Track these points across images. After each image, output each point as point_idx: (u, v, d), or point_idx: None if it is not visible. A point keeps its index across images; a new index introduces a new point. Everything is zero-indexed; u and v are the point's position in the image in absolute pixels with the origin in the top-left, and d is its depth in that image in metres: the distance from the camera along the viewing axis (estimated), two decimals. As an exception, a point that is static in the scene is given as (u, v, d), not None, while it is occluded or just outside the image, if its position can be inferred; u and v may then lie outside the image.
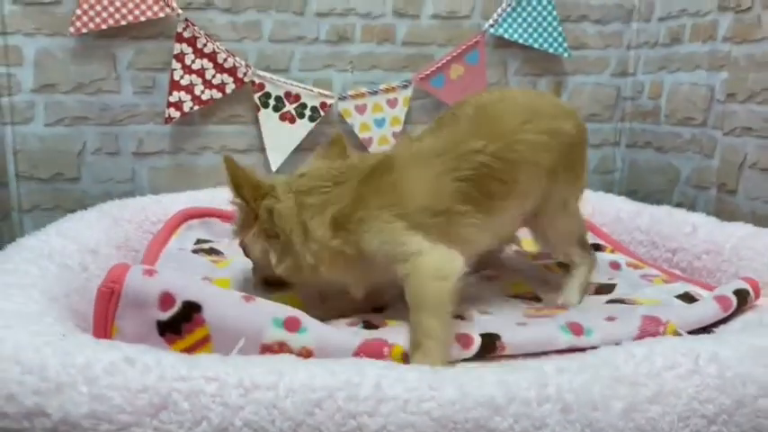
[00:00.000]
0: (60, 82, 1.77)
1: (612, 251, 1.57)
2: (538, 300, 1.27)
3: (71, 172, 1.82)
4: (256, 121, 1.89)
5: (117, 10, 1.73)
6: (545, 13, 2.00)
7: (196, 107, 1.82)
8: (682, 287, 1.26)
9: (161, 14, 1.75)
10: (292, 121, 1.89)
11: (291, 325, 0.96)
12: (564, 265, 1.43)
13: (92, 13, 1.71)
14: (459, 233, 1.07)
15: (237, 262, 1.38)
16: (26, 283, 0.98)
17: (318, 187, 1.09)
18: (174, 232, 1.46)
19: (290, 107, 1.89)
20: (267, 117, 1.88)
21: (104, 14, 1.72)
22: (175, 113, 1.80)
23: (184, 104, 1.81)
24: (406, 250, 1.01)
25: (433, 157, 1.08)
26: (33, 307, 0.90)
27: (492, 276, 1.38)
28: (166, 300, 0.95)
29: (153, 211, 1.61)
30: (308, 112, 1.90)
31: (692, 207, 1.90)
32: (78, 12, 1.71)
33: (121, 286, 0.95)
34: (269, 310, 0.98)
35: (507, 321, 1.07)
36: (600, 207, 1.82)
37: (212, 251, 1.42)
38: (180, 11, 1.76)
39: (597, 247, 1.60)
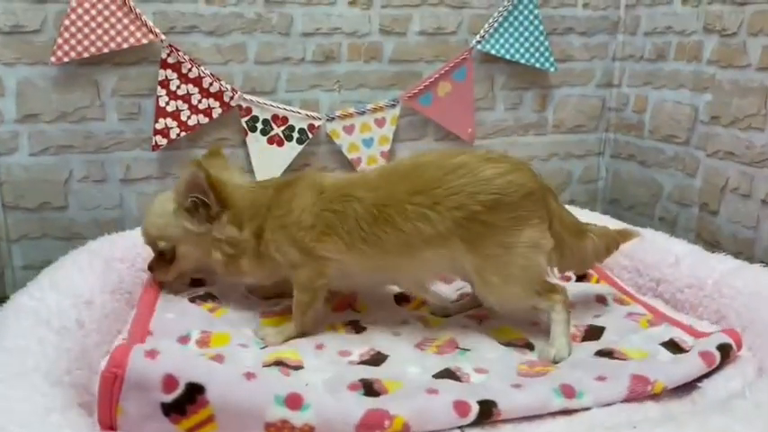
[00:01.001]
0: (43, 111, 1.74)
1: (598, 281, 1.61)
2: (530, 347, 1.30)
3: (58, 201, 1.80)
4: (244, 145, 1.88)
5: (99, 38, 1.69)
6: (531, 28, 2.00)
7: (183, 133, 1.80)
8: (666, 332, 1.30)
9: (144, 41, 1.72)
10: (280, 144, 1.88)
11: (293, 402, 0.98)
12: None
13: (73, 41, 1.68)
14: (319, 249, 1.29)
15: (232, 311, 1.40)
16: (29, 368, 0.99)
17: (258, 191, 1.38)
18: None
19: (277, 130, 1.88)
20: (255, 141, 1.87)
21: (86, 42, 1.69)
22: (162, 141, 1.79)
23: (171, 131, 1.79)
24: (290, 259, 1.30)
25: (319, 190, 1.31)
26: (39, 401, 0.91)
27: (482, 316, 1.42)
28: (169, 382, 0.97)
29: (144, 247, 1.61)
30: (296, 135, 1.89)
31: (674, 222, 1.95)
32: (59, 40, 1.67)
33: (124, 371, 0.97)
34: (270, 388, 1.00)
35: (503, 383, 1.10)
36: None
37: (208, 296, 1.43)
38: (164, 36, 1.73)
39: (582, 276, 1.64)
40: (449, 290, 1.56)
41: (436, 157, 1.32)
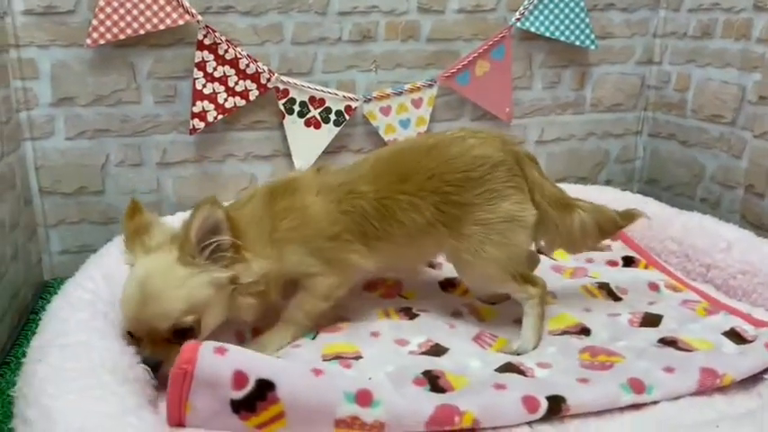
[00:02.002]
0: (79, 94, 1.71)
1: (647, 266, 1.59)
2: (587, 332, 1.29)
3: (95, 185, 1.78)
4: (281, 127, 1.85)
5: (134, 19, 1.65)
6: (572, 5, 1.94)
7: (220, 116, 1.77)
8: (726, 321, 1.29)
9: (180, 22, 1.68)
10: (317, 126, 1.85)
11: (363, 399, 0.97)
12: (604, 286, 1.46)
13: (108, 23, 1.64)
14: (346, 258, 1.22)
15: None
16: (96, 364, 0.98)
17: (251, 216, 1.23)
18: None
19: (314, 112, 1.84)
20: (292, 123, 1.83)
21: (122, 24, 1.64)
22: (200, 124, 1.76)
23: (208, 114, 1.75)
24: (310, 270, 1.22)
25: (326, 191, 1.23)
26: (113, 401, 0.90)
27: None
28: (239, 379, 0.97)
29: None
30: (332, 117, 1.85)
31: (716, 204, 1.92)
32: (95, 22, 1.63)
33: (194, 367, 0.96)
34: (340, 384, 0.99)
35: (569, 377, 1.09)
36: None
37: None
38: (200, 17, 1.69)
39: (630, 261, 1.62)
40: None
41: (413, 142, 1.32)
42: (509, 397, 1.02)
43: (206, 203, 1.09)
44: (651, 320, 1.32)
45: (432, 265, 1.59)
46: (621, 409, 1.05)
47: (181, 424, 0.98)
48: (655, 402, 1.06)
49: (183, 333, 1.08)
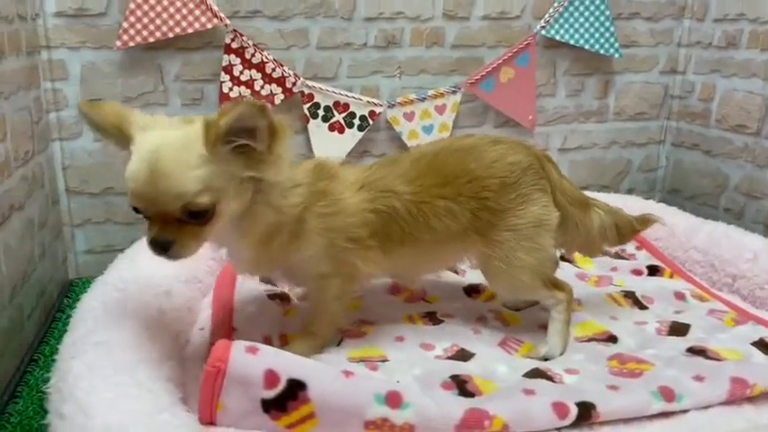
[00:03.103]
0: (107, 96, 1.73)
1: (672, 276, 1.58)
2: (614, 340, 1.28)
3: (121, 185, 1.76)
4: (305, 131, 1.86)
5: (164, 22, 1.67)
6: (597, 13, 1.94)
7: (246, 120, 1.78)
8: (754, 331, 1.28)
9: (209, 26, 1.70)
10: (341, 130, 1.86)
11: (393, 401, 0.98)
12: (630, 294, 1.46)
13: (139, 26, 1.66)
14: (355, 264, 1.17)
15: (303, 310, 1.38)
16: (131, 362, 0.99)
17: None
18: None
19: (338, 117, 1.85)
20: (316, 127, 1.85)
21: (151, 27, 1.66)
22: (225, 127, 1.77)
23: (234, 117, 1.77)
24: (320, 269, 1.17)
25: (361, 183, 1.18)
26: (148, 399, 0.90)
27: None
28: (271, 378, 0.97)
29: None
30: (356, 122, 1.86)
31: (740, 214, 1.91)
32: (125, 25, 1.65)
33: (226, 365, 0.97)
34: (370, 386, 0.99)
35: (598, 384, 1.08)
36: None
37: (283, 297, 1.42)
38: (228, 21, 1.71)
39: (655, 270, 1.61)
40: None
41: (453, 143, 1.28)
42: (539, 402, 1.01)
43: (253, 106, 0.95)
44: (679, 329, 1.31)
45: (455, 271, 1.59)
46: (650, 418, 1.04)
47: (212, 422, 0.98)
48: (684, 411, 1.05)
49: (198, 215, 0.97)
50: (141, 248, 1.43)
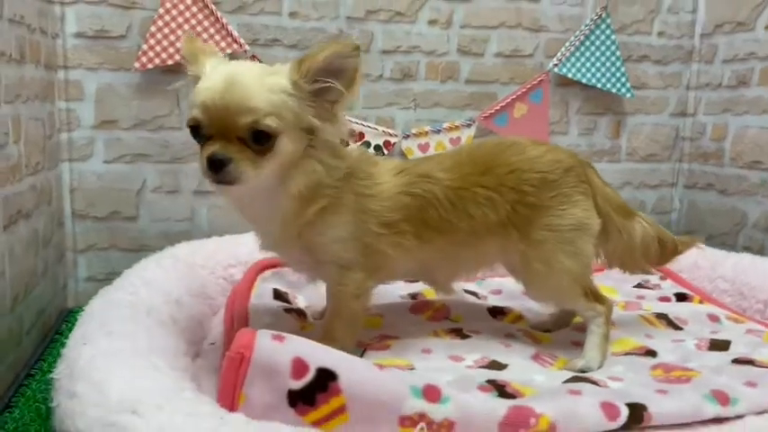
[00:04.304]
0: (121, 118, 1.71)
1: (701, 301, 1.52)
2: (653, 354, 1.21)
3: (129, 210, 1.75)
4: (319, 160, 1.83)
5: (184, 45, 1.67)
6: (608, 53, 1.98)
7: (260, 145, 1.76)
8: (797, 347, 1.22)
9: (228, 51, 1.70)
10: (356, 159, 1.84)
11: (431, 395, 0.90)
12: (662, 316, 1.39)
13: (158, 48, 1.66)
14: (385, 252, 1.12)
15: (320, 326, 1.30)
16: (144, 349, 0.91)
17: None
18: (252, 288, 1.39)
19: (354, 146, 1.83)
20: (331, 156, 1.82)
21: (171, 50, 1.67)
22: (240, 151, 1.74)
23: (249, 142, 1.75)
24: (344, 256, 1.10)
25: (398, 170, 1.16)
26: (166, 381, 0.83)
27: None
28: (299, 367, 0.89)
29: (223, 256, 1.55)
30: (371, 151, 1.85)
31: (761, 251, 1.87)
32: (144, 47, 1.65)
33: (251, 352, 0.89)
34: (406, 378, 0.92)
35: (646, 389, 1.01)
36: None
37: (299, 312, 1.35)
38: (247, 47, 1.72)
39: (683, 297, 1.55)
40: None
41: (493, 139, 1.30)
42: (586, 402, 0.94)
43: (348, 45, 0.99)
44: (719, 345, 1.24)
45: (476, 295, 1.53)
46: (705, 423, 0.96)
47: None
48: (739, 416, 0.97)
49: (261, 138, 0.97)
50: (149, 265, 1.38)
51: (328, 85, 1.00)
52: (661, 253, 1.29)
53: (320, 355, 0.91)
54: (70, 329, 1.50)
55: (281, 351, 0.90)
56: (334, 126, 1.04)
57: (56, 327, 1.56)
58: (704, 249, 1.74)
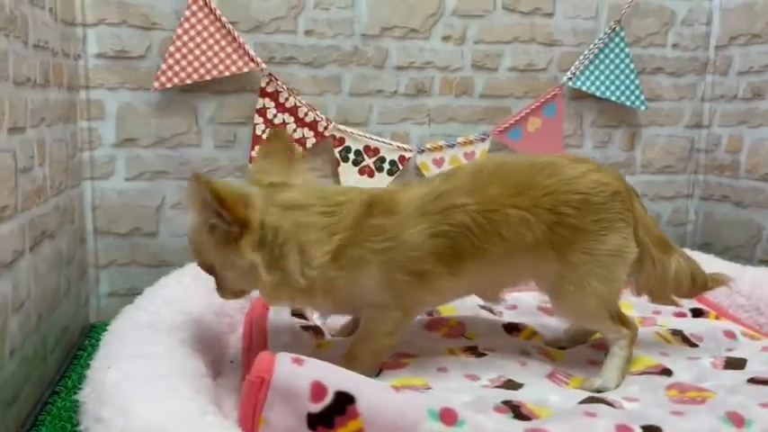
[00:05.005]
0: (141, 136, 1.74)
1: (717, 318, 1.52)
2: (668, 373, 1.21)
3: (149, 227, 1.78)
4: (335, 174, 1.86)
5: (202, 65, 1.71)
6: (622, 66, 1.98)
7: (277, 162, 1.78)
8: (815, 365, 1.21)
9: (245, 69, 1.73)
10: (371, 174, 1.86)
11: (448, 418, 0.91)
12: (678, 332, 1.40)
13: (177, 68, 1.69)
14: (418, 296, 1.14)
15: (337, 345, 1.32)
16: (166, 372, 0.94)
17: (314, 207, 1.10)
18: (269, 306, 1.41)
19: (369, 161, 1.86)
20: (347, 171, 1.85)
21: (189, 69, 1.70)
22: (257, 168, 1.77)
23: (266, 159, 1.77)
24: (378, 300, 1.13)
25: (420, 210, 1.12)
26: (189, 405, 0.85)
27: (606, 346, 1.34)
28: (318, 390, 0.91)
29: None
30: (386, 166, 1.87)
31: (778, 264, 1.86)
32: (163, 67, 1.68)
33: (271, 376, 0.91)
34: (423, 401, 0.93)
35: (661, 411, 1.01)
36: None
37: (316, 330, 1.36)
38: (264, 65, 1.74)
39: (699, 313, 1.55)
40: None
41: (519, 157, 1.23)
42: (601, 424, 0.95)
43: (193, 179, 1.01)
44: (735, 364, 1.24)
45: (492, 311, 1.54)
46: (720, 445, 0.97)
47: (252, 439, 0.91)
48: (755, 439, 0.98)
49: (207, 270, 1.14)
50: (169, 283, 1.41)
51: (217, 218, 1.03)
52: (692, 288, 1.28)
53: (338, 378, 0.92)
54: (93, 345, 1.55)
55: (301, 375, 0.92)
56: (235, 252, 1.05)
57: (79, 343, 1.60)
58: (721, 262, 1.76)
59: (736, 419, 0.98)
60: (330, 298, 1.13)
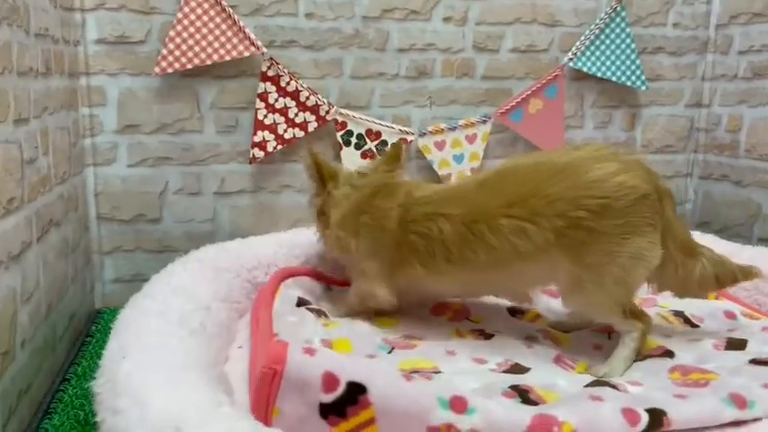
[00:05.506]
0: (143, 122, 1.74)
1: (717, 297, 1.54)
2: (671, 355, 1.23)
3: (153, 213, 1.79)
4: (337, 158, 1.86)
5: (203, 50, 1.69)
6: (623, 46, 1.98)
7: (279, 146, 1.79)
8: (815, 345, 1.24)
9: (246, 54, 1.72)
10: (373, 158, 1.86)
11: (458, 406, 0.93)
12: (679, 313, 1.42)
13: (177, 53, 1.68)
14: (399, 279, 1.31)
15: (343, 324, 1.34)
16: (179, 363, 0.95)
17: (360, 188, 1.36)
18: (275, 293, 1.42)
19: (371, 144, 1.86)
20: (349, 155, 1.85)
21: (190, 54, 1.69)
22: (260, 153, 1.77)
23: (268, 144, 1.77)
24: (361, 267, 1.34)
25: (412, 206, 1.29)
26: (204, 396, 0.86)
27: (609, 330, 1.36)
28: (330, 381, 0.93)
29: (246, 259, 1.57)
30: (388, 149, 1.86)
31: (776, 243, 1.88)
32: (164, 52, 1.67)
33: (284, 367, 0.93)
34: (433, 389, 0.95)
35: (665, 394, 1.04)
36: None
37: (319, 312, 1.38)
38: (264, 50, 1.73)
39: (699, 292, 1.57)
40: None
41: (535, 160, 1.22)
42: (608, 408, 0.97)
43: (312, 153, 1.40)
44: (736, 344, 1.27)
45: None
46: (721, 427, 0.99)
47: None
48: (756, 419, 1.00)
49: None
50: (176, 270, 1.42)
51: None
52: (717, 285, 1.29)
53: (350, 368, 0.94)
54: (100, 331, 1.56)
55: (313, 364, 0.93)
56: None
57: (86, 329, 1.61)
58: (721, 243, 1.77)
59: (738, 401, 1.00)
60: (345, 260, 1.40)
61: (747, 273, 1.29)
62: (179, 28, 1.68)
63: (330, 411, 0.92)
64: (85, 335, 1.58)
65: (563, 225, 1.13)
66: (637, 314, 1.21)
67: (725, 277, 1.28)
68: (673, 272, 1.23)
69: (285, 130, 1.79)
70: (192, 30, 1.69)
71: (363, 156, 1.86)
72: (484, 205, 1.19)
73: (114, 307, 1.69)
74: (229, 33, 1.71)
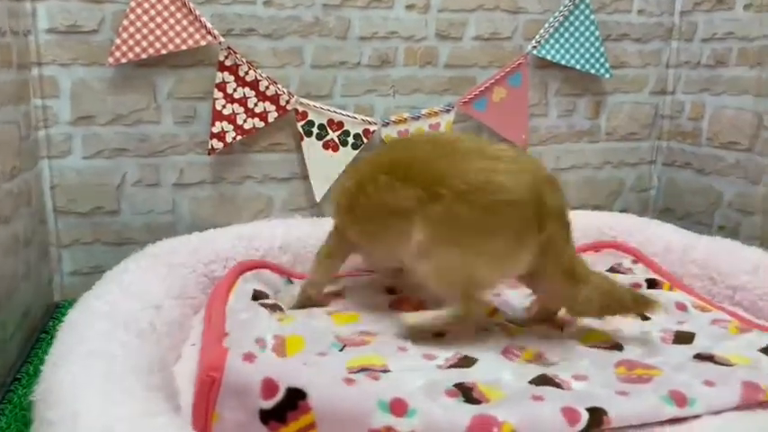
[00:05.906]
0: (98, 113, 1.70)
1: (671, 288, 1.56)
2: (619, 348, 1.25)
3: (110, 205, 1.76)
4: (298, 149, 1.84)
5: (157, 39, 1.66)
6: (587, 34, 1.97)
7: (239, 137, 1.76)
8: (761, 338, 1.26)
9: (202, 43, 1.69)
10: (335, 149, 1.85)
11: (398, 408, 0.94)
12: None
13: (131, 42, 1.64)
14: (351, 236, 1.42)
15: (298, 319, 1.34)
16: (118, 371, 0.94)
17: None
18: (231, 288, 1.41)
19: (333, 135, 1.84)
20: (310, 146, 1.83)
21: (144, 44, 1.65)
22: (218, 144, 1.75)
23: (227, 135, 1.75)
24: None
25: (365, 168, 1.40)
26: (137, 406, 0.86)
27: (564, 323, 1.37)
28: (269, 387, 0.93)
29: (204, 253, 1.56)
30: (351, 140, 1.85)
31: (735, 231, 1.90)
32: (117, 41, 1.64)
33: (222, 375, 0.93)
34: (373, 393, 0.95)
35: (607, 390, 1.05)
36: (647, 236, 1.80)
37: (274, 307, 1.38)
38: (222, 39, 1.70)
39: (653, 283, 1.59)
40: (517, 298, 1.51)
41: (450, 139, 1.38)
42: (548, 408, 0.98)
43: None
44: (684, 338, 1.28)
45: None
46: (662, 423, 1.01)
47: (206, 432, 0.93)
48: (696, 416, 1.02)
49: None
50: (128, 267, 1.40)
51: None
52: (600, 313, 1.27)
53: (290, 374, 0.94)
54: (56, 327, 1.54)
55: (252, 371, 0.94)
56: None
57: (42, 324, 1.59)
58: (678, 231, 1.79)
59: (678, 399, 1.02)
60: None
61: (644, 304, 1.25)
62: (132, 17, 1.64)
63: (270, 417, 0.92)
64: (41, 330, 1.56)
65: (425, 196, 1.21)
66: (472, 303, 1.24)
67: (611, 308, 1.25)
68: (554, 292, 1.28)
69: (245, 121, 1.77)
70: (146, 18, 1.65)
71: (325, 146, 1.84)
72: (378, 164, 1.36)
73: (73, 299, 1.66)
74: (185, 22, 1.68)
